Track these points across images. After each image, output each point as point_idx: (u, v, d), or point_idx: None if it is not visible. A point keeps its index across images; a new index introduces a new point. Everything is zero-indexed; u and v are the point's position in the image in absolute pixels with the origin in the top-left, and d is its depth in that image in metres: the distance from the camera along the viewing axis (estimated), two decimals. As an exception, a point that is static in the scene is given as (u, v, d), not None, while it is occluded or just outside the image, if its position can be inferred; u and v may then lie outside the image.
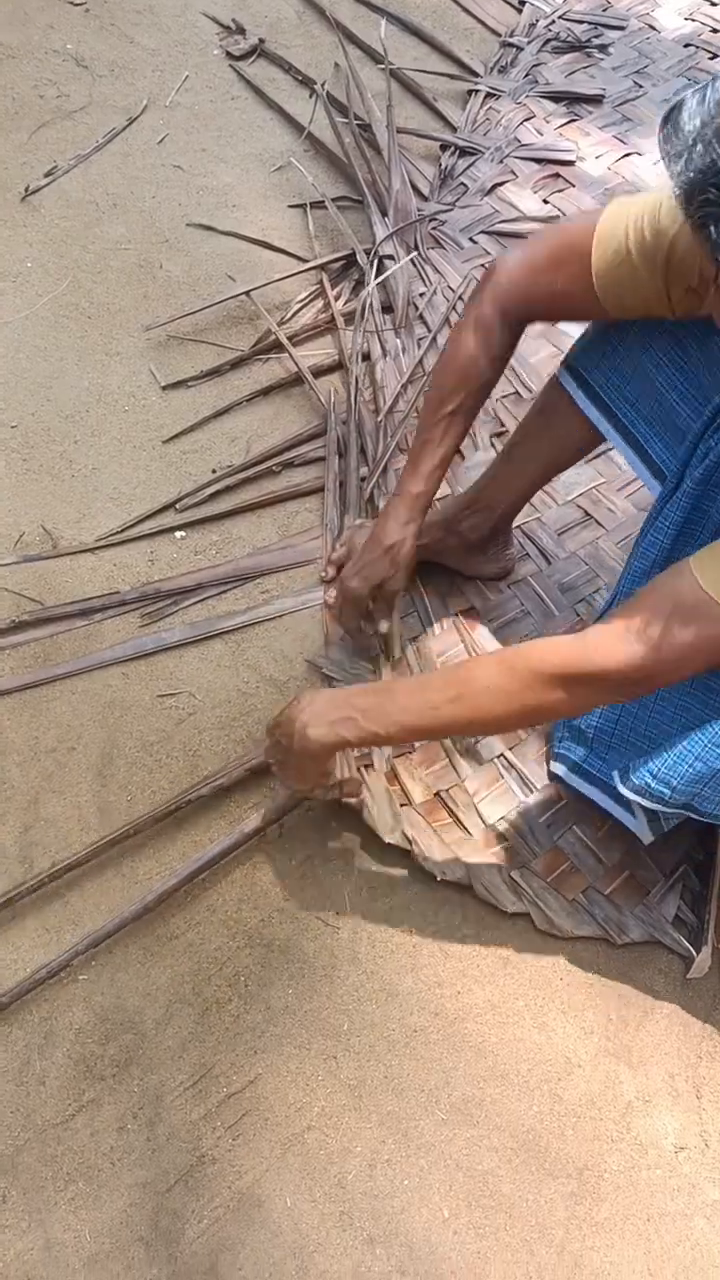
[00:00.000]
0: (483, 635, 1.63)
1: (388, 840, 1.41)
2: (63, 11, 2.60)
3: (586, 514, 1.78)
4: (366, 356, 1.97)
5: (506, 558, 1.69)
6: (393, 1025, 1.33)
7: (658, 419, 1.34)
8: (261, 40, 2.56)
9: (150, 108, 2.42)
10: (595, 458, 1.79)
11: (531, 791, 1.49)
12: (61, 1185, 1.21)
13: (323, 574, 1.69)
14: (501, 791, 1.49)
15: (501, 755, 1.52)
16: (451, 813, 1.47)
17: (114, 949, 1.36)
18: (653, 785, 1.24)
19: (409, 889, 1.42)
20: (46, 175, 2.24)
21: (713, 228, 0.89)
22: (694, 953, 1.36)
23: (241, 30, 2.57)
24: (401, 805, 1.45)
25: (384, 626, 1.54)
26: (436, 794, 1.48)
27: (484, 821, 1.46)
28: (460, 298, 2.03)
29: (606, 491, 1.80)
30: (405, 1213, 1.22)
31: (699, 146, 0.87)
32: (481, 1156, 1.25)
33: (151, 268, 2.12)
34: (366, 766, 1.48)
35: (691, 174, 0.88)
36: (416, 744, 1.51)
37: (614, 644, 1.05)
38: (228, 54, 2.54)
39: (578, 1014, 1.35)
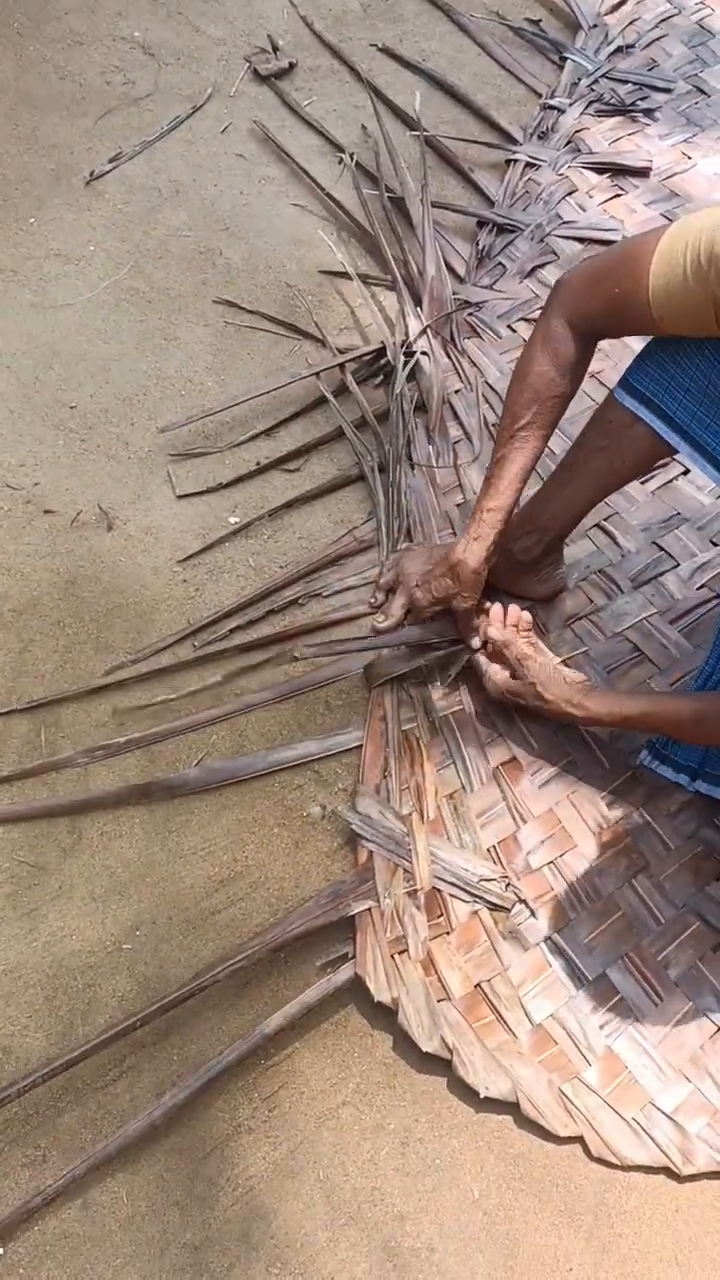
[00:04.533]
0: (526, 788, 1.50)
1: (425, 1049, 1.28)
2: (131, -1, 2.63)
3: (636, 648, 1.64)
4: (383, 469, 1.83)
5: (558, 577, 1.68)
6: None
7: None
8: (292, 64, 2.51)
9: (215, 96, 2.44)
10: (646, 583, 1.71)
11: (582, 983, 1.34)
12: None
13: (372, 599, 1.68)
14: (549, 983, 1.34)
15: (549, 939, 1.37)
16: (494, 1008, 1.32)
17: (157, 920, 1.39)
18: None
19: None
20: (111, 161, 2.27)
21: None
22: None
23: (275, 48, 2.54)
24: (439, 1000, 1.32)
25: (476, 643, 1.54)
26: (477, 985, 1.33)
27: (530, 1020, 1.31)
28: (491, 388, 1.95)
29: (658, 623, 1.66)
30: (436, 1191, 1.24)
31: None
32: (513, 1140, 1.26)
33: (211, 254, 2.14)
34: (401, 953, 1.34)
35: None
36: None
37: None
38: (255, 72, 2.49)
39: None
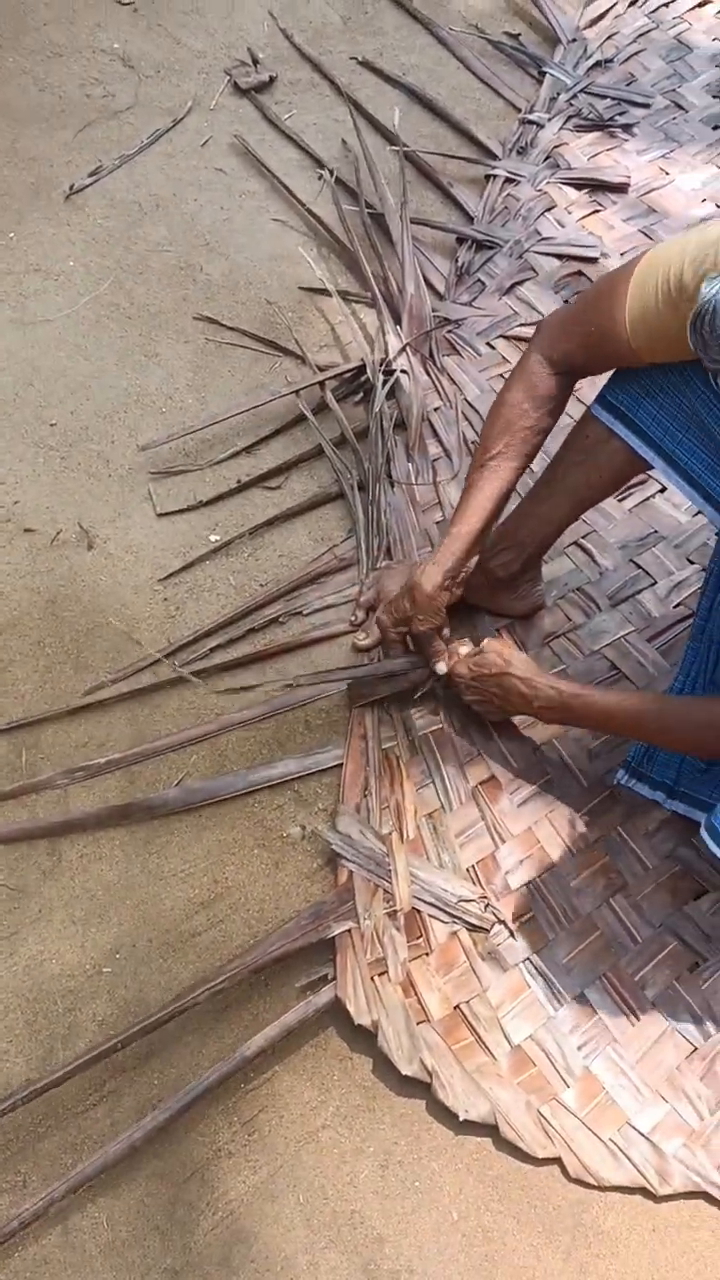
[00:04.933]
0: (505, 807, 1.50)
1: (405, 1073, 1.28)
2: (111, 11, 2.63)
3: (614, 666, 1.66)
4: (363, 487, 1.84)
5: (536, 594, 1.69)
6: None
7: (709, 452, 1.37)
8: (272, 77, 2.51)
9: (195, 109, 2.44)
10: (623, 601, 1.73)
11: (561, 1004, 1.35)
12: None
13: (352, 619, 1.68)
14: (528, 1003, 1.35)
15: (528, 959, 1.38)
16: (473, 1030, 1.32)
17: (137, 943, 1.39)
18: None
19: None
20: (91, 175, 2.27)
21: None
22: None
23: (255, 61, 2.54)
24: (419, 1022, 1.32)
25: (441, 668, 1.53)
26: (456, 1007, 1.34)
27: (509, 1041, 1.32)
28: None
29: (636, 641, 1.68)
30: (415, 1213, 1.24)
31: None
32: (492, 1162, 1.27)
33: (192, 270, 2.14)
34: (381, 974, 1.35)
35: None
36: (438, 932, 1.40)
37: None
38: (235, 85, 2.49)
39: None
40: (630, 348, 1.29)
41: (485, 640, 1.53)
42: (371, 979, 1.34)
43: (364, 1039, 1.33)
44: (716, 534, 1.44)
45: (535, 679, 1.43)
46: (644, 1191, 1.25)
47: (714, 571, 1.39)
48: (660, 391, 1.37)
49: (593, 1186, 1.25)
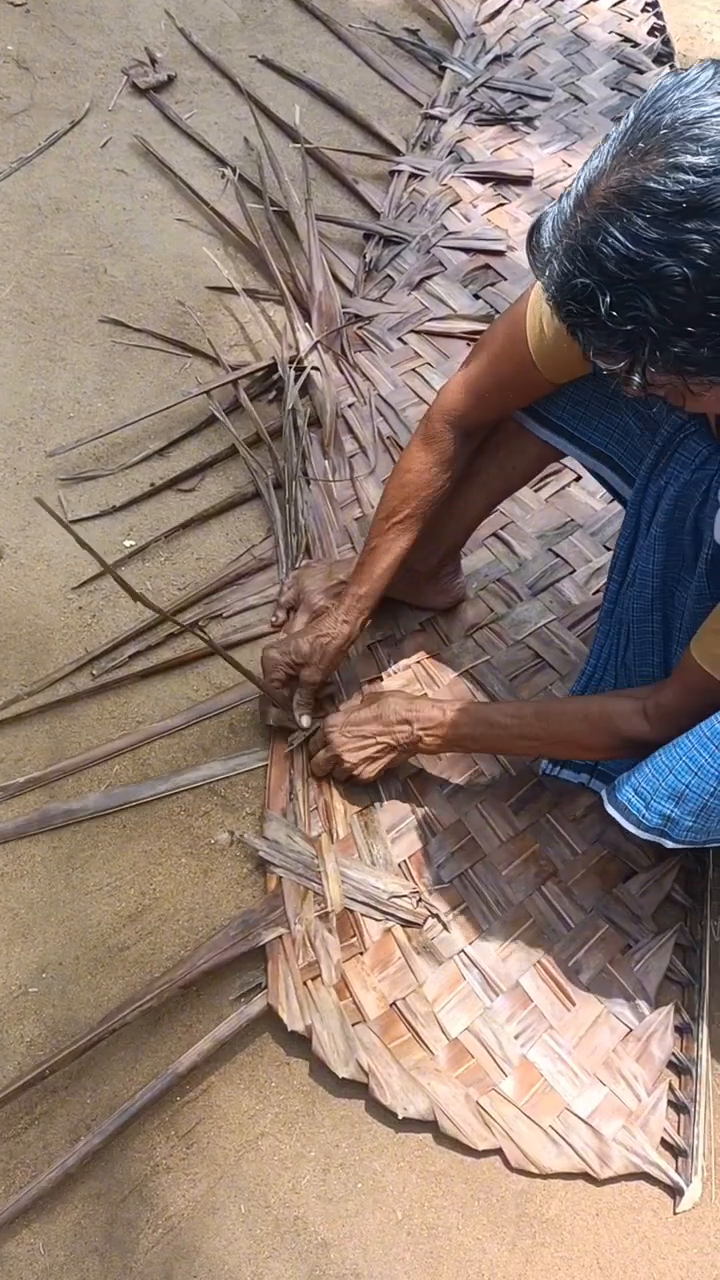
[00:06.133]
0: (434, 800, 1.50)
1: (341, 1075, 1.26)
2: (3, 12, 2.58)
3: (538, 655, 1.66)
4: (279, 485, 1.82)
5: (457, 586, 1.69)
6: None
7: (616, 431, 1.38)
8: (171, 76, 2.49)
9: (93, 111, 2.40)
10: (544, 590, 1.73)
11: (497, 994, 1.35)
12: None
13: (273, 619, 1.66)
14: (464, 995, 1.34)
15: (462, 952, 1.37)
16: (410, 1026, 1.31)
17: (64, 961, 1.36)
18: (633, 802, 1.21)
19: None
20: (-12, 178, 2.22)
21: (579, 334, 0.94)
22: (683, 1185, 1.24)
23: (153, 61, 2.51)
24: (354, 1024, 1.30)
25: (305, 721, 1.50)
26: (392, 1004, 1.33)
27: (446, 1035, 1.31)
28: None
29: (557, 629, 1.69)
30: (359, 1215, 1.23)
31: (554, 263, 0.93)
32: (434, 1157, 1.26)
33: (96, 272, 2.11)
34: (315, 978, 1.33)
35: (553, 287, 0.94)
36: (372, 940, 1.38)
37: (671, 721, 1.22)
38: (134, 85, 2.46)
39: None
40: (543, 378, 1.30)
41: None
42: (305, 984, 1.32)
43: (300, 1043, 1.31)
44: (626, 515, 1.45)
45: (415, 700, 1.44)
46: (586, 1176, 1.25)
47: (620, 556, 1.40)
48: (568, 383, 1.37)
49: (535, 1175, 1.25)
